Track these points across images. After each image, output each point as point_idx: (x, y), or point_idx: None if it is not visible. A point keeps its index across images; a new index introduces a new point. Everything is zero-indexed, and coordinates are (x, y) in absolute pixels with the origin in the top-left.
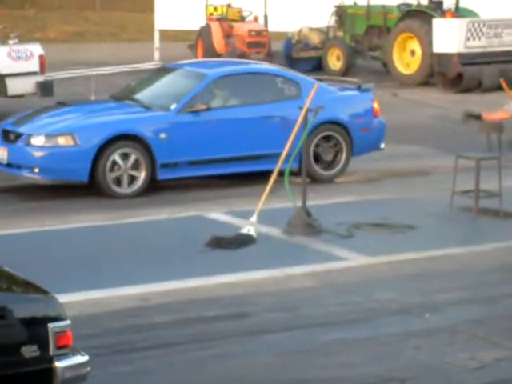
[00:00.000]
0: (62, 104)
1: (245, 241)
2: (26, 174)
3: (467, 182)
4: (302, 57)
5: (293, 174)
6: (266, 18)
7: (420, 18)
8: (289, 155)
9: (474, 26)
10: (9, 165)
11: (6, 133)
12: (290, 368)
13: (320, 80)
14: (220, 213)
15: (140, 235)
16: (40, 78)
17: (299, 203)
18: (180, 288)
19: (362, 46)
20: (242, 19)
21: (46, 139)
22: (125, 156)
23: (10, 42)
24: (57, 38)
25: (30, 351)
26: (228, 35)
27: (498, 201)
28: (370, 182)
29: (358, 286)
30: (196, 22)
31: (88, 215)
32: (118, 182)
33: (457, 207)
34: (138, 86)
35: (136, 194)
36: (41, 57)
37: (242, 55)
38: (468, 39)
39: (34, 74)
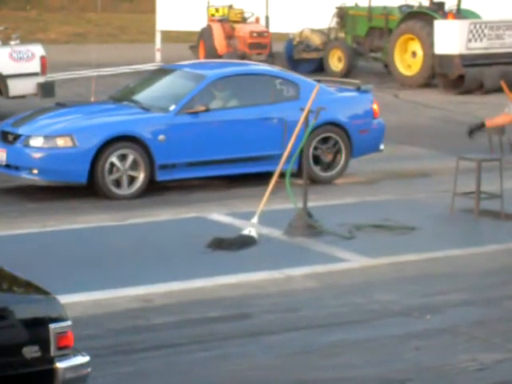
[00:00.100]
0: (60, 105)
1: (246, 242)
2: (24, 175)
3: (468, 183)
4: (304, 58)
5: (292, 175)
6: (267, 19)
7: (421, 20)
8: (290, 156)
9: (475, 27)
10: (7, 166)
11: (4, 134)
12: (291, 369)
13: (319, 81)
14: (221, 214)
15: (141, 236)
16: (41, 79)
17: (300, 204)
18: (181, 289)
19: (364, 47)
20: (244, 20)
21: (45, 140)
22: (123, 157)
23: (12, 42)
24: (58, 39)
25: (31, 352)
26: (229, 36)
27: (499, 202)
28: (371, 183)
29: (358, 287)
30: (198, 23)
31: (88, 216)
32: (117, 183)
33: (458, 209)
34: (137, 87)
35: (134, 196)
36: (42, 58)
37: (244, 56)
38: (469, 41)
39: (35, 74)
